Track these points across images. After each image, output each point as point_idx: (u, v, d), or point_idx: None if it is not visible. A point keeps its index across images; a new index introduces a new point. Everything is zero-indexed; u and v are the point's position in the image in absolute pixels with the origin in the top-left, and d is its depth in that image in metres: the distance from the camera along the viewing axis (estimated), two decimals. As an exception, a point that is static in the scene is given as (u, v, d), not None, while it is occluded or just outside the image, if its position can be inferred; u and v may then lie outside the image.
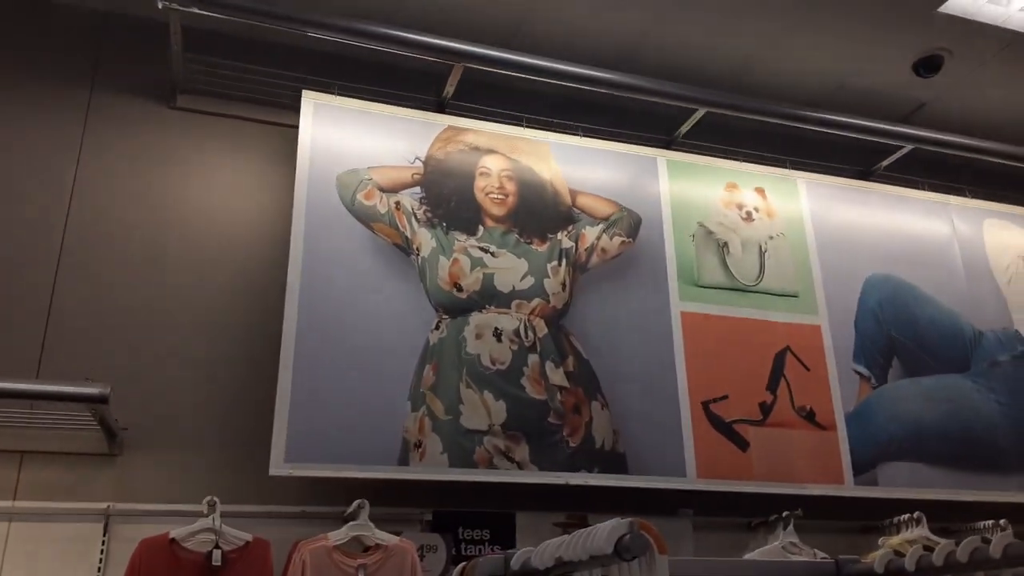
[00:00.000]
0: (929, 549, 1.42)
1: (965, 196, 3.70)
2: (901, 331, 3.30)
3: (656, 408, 2.85)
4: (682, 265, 3.10)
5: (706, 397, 2.92)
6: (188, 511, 2.31)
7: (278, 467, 2.39)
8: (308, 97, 2.88)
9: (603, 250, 3.03)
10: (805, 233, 3.33)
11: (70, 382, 2.17)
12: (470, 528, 2.63)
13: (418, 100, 3.07)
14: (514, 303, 2.82)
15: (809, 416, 3.03)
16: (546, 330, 2.82)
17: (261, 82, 2.95)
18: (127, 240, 2.70)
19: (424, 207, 2.86)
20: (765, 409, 2.99)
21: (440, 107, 3.10)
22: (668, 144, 3.38)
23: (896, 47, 3.24)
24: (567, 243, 2.98)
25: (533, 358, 2.77)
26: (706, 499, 2.84)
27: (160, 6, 2.53)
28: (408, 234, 2.81)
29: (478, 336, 2.74)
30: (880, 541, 2.84)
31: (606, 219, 3.08)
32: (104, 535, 2.33)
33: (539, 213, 2.99)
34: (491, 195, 2.96)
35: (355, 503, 2.36)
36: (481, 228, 2.90)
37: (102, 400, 2.11)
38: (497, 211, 2.95)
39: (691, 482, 2.79)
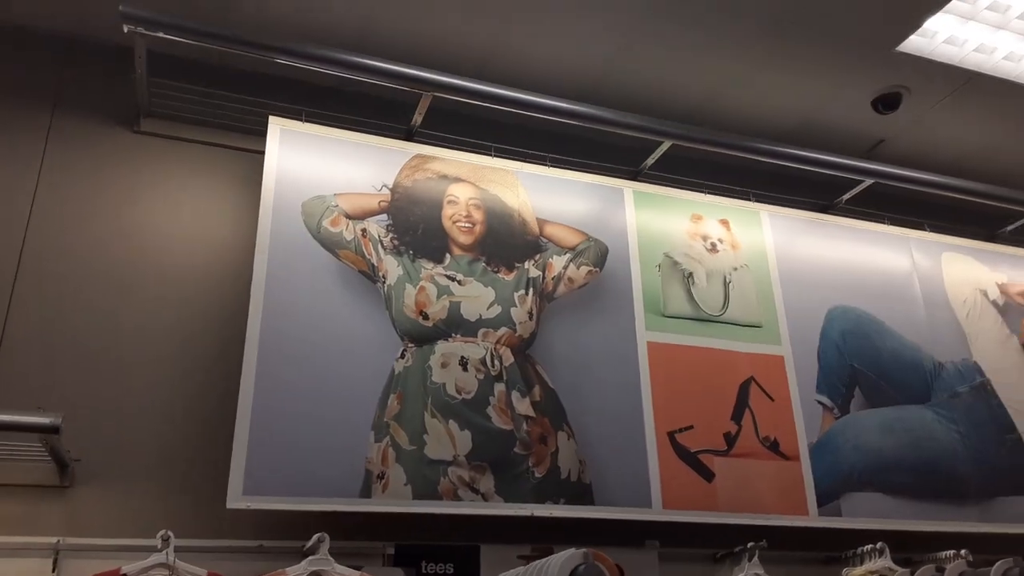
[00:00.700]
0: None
1: (924, 230, 3.78)
2: (863, 362, 3.34)
3: (622, 438, 2.84)
4: (648, 295, 3.11)
5: (672, 427, 2.93)
6: (141, 546, 2.24)
7: (236, 500, 2.33)
8: (275, 123, 2.86)
9: (570, 279, 3.04)
10: (768, 265, 3.38)
11: (20, 411, 2.10)
12: (433, 562, 2.58)
13: (386, 128, 3.07)
14: (481, 332, 2.81)
15: (773, 446, 3.04)
16: (513, 359, 2.81)
17: (227, 108, 2.93)
18: (84, 266, 2.64)
19: (391, 235, 2.85)
20: (730, 439, 2.99)
21: (408, 135, 3.11)
22: (635, 175, 3.42)
23: (856, 85, 3.32)
24: (534, 272, 2.99)
25: (499, 387, 2.75)
26: (672, 530, 2.82)
27: (125, 30, 2.51)
28: (374, 261, 2.79)
29: (444, 365, 2.72)
30: (844, 572, 2.85)
31: (573, 248, 3.09)
32: (53, 571, 2.24)
33: (506, 242, 3.00)
34: (458, 223, 2.96)
35: (315, 537, 2.30)
36: (448, 256, 2.89)
37: (53, 430, 2.04)
38: (464, 239, 2.95)
39: (657, 513, 2.78)
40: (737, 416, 3.04)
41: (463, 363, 2.74)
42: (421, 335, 2.74)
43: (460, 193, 3.02)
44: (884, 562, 2.77)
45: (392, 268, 2.80)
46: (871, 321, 3.44)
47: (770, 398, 3.12)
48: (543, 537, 2.71)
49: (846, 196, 3.67)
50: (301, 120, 2.91)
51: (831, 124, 3.57)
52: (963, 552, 2.81)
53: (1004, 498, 3.29)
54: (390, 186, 2.92)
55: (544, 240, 3.06)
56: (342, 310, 2.68)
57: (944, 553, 2.89)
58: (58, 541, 2.27)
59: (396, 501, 2.51)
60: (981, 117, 3.54)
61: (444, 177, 3.02)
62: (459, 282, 2.86)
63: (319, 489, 2.43)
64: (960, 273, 3.74)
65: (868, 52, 3.13)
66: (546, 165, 3.23)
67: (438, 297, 2.80)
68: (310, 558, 2.29)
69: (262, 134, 2.84)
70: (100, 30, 2.87)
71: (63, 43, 2.91)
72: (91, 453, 2.40)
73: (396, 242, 2.84)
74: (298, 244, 2.70)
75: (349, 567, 2.32)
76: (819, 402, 3.20)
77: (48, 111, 2.79)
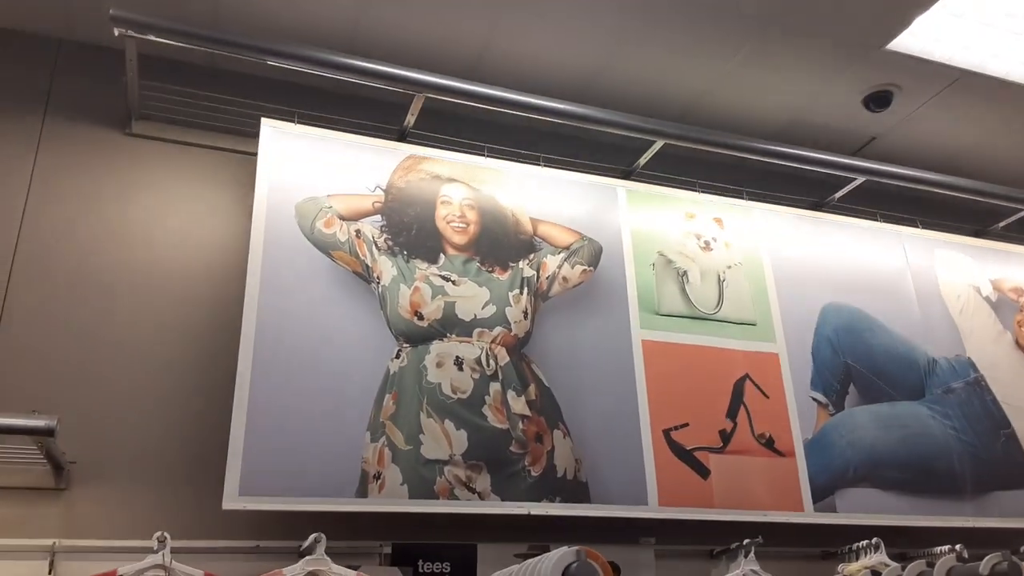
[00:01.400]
0: (878, 574, 1.43)
1: (917, 227, 3.80)
2: (857, 359, 3.35)
3: (618, 436, 2.85)
4: (642, 294, 3.12)
5: (667, 425, 2.93)
6: (137, 547, 2.24)
7: (232, 501, 2.33)
8: (267, 124, 2.86)
9: (564, 279, 3.04)
10: (762, 262, 3.39)
11: (16, 414, 2.09)
12: (430, 561, 2.59)
13: (379, 129, 3.08)
14: (476, 331, 2.81)
15: (769, 443, 3.05)
16: (508, 359, 2.81)
17: (219, 110, 2.93)
18: (78, 269, 2.64)
19: (385, 235, 2.85)
20: (725, 437, 3.00)
21: (401, 136, 3.11)
22: (628, 174, 3.43)
23: (847, 83, 3.34)
24: (529, 272, 2.99)
25: (495, 387, 2.75)
26: (668, 527, 2.83)
27: (116, 33, 2.51)
28: (368, 262, 2.79)
29: (439, 365, 2.72)
30: (839, 568, 2.86)
31: (567, 248, 3.10)
32: (50, 573, 2.24)
33: (501, 242, 3.00)
34: (452, 224, 2.97)
35: (311, 537, 2.31)
36: (442, 256, 2.90)
37: (48, 433, 2.04)
38: (459, 239, 2.95)
39: (653, 510, 2.78)
40: (732, 413, 3.05)
41: (458, 363, 2.74)
42: (416, 335, 2.74)
43: (454, 193, 3.02)
44: (879, 557, 2.77)
45: (386, 269, 2.80)
46: (865, 318, 3.45)
47: (765, 395, 3.12)
48: (540, 535, 2.71)
49: (839, 193, 3.68)
50: (294, 122, 2.91)
51: (823, 122, 3.58)
52: (958, 547, 2.81)
53: (998, 493, 3.30)
54: (384, 187, 2.92)
55: (538, 240, 3.07)
56: (336, 311, 2.68)
57: (939, 548, 2.90)
58: (54, 543, 2.27)
59: (392, 500, 2.51)
60: (971, 114, 3.56)
61: (437, 177, 3.03)
62: (453, 282, 2.86)
63: (315, 489, 2.43)
64: (953, 270, 3.75)
65: (858, 50, 3.14)
66: (539, 165, 3.23)
67: (433, 297, 2.81)
68: (307, 558, 2.29)
69: (254, 136, 2.84)
70: (91, 33, 2.87)
71: (54, 46, 2.91)
72: (86, 455, 2.39)
73: (390, 243, 2.84)
74: (292, 246, 2.70)
75: (346, 567, 2.32)
76: (814, 399, 3.21)
77: (39, 114, 2.79)
